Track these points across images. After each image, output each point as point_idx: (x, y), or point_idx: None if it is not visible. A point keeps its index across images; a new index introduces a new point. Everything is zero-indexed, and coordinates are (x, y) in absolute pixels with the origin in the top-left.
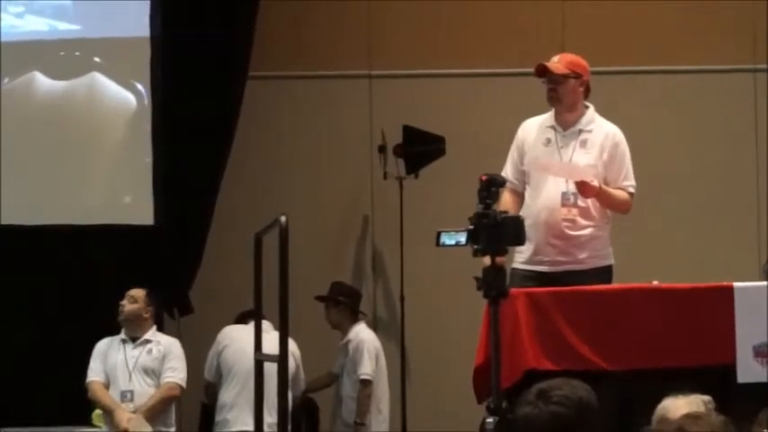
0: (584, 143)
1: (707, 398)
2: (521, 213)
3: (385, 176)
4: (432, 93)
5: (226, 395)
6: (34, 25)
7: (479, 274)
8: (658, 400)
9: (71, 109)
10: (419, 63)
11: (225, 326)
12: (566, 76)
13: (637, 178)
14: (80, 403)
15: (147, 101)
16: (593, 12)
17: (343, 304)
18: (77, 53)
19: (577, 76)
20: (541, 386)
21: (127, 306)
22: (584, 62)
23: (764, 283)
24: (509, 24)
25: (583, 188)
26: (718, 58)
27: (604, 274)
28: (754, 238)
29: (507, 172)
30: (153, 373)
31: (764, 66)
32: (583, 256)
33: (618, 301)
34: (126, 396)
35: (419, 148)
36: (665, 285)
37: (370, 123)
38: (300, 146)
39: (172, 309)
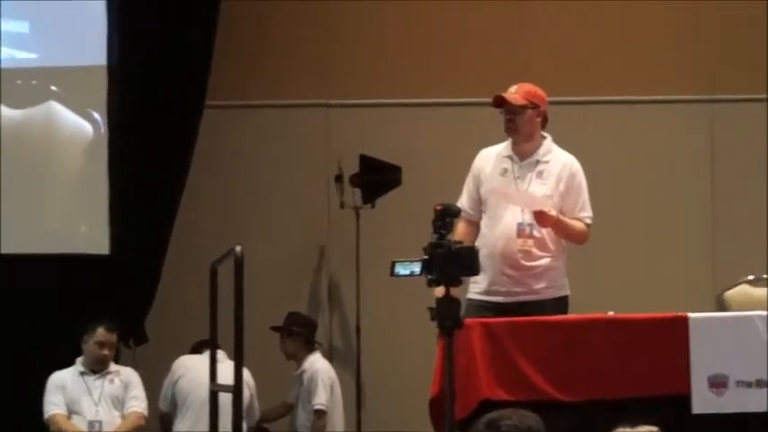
0: (540, 174)
1: (654, 429)
2: (477, 243)
3: (342, 206)
4: (388, 122)
5: (181, 425)
6: None
7: (435, 305)
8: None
9: (28, 137)
10: (376, 92)
11: (180, 355)
12: (523, 107)
13: (593, 209)
14: None
15: (103, 129)
16: (549, 42)
17: (299, 334)
18: (34, 82)
19: (535, 106)
20: (491, 416)
21: (109, 354)
22: (541, 92)
23: (719, 313)
24: (466, 54)
25: (540, 218)
26: (675, 89)
27: (560, 304)
28: (709, 269)
29: (463, 202)
30: (119, 402)
31: (721, 96)
32: (538, 286)
33: (573, 332)
34: (94, 426)
35: (376, 178)
36: (619, 316)
37: (327, 153)
38: (257, 175)
39: (128, 338)
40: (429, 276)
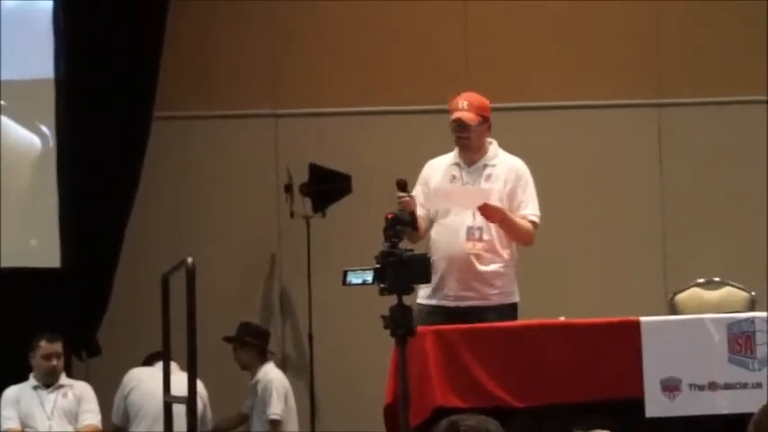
0: (488, 177)
1: None
2: (429, 249)
3: (292, 215)
4: (338, 131)
5: None
6: None
7: (387, 312)
8: None
9: None
10: (324, 101)
11: (133, 367)
12: (478, 123)
13: (543, 214)
14: None
15: (52, 143)
16: (496, 48)
17: (252, 344)
18: None
19: (485, 119)
20: (452, 418)
21: (58, 364)
22: (486, 101)
23: (671, 317)
24: (413, 62)
25: (487, 211)
26: (623, 94)
27: (509, 311)
28: (660, 273)
29: None
30: (72, 415)
31: (669, 100)
32: (488, 291)
33: (525, 338)
34: None
35: (325, 187)
36: (572, 321)
37: (276, 162)
38: (207, 185)
39: (80, 351)
40: (381, 285)
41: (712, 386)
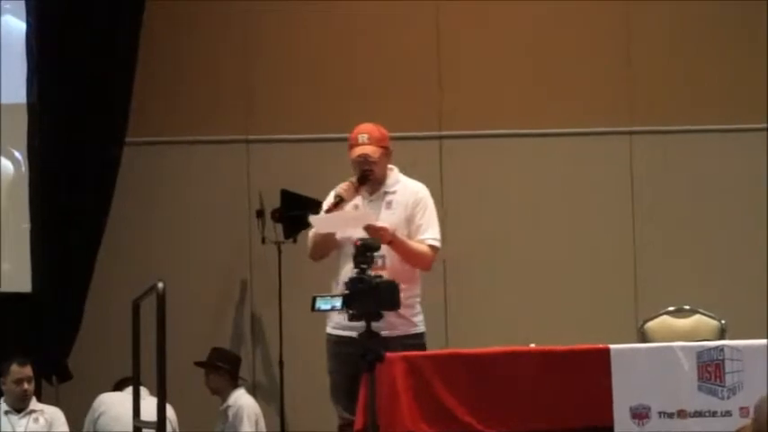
0: (389, 204)
1: None
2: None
3: (263, 241)
4: (309, 157)
5: None
6: None
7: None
8: None
9: None
10: (296, 128)
11: (104, 392)
12: (380, 156)
13: (515, 240)
14: None
15: (24, 168)
16: (469, 76)
17: (223, 370)
18: None
19: (386, 149)
20: None
21: (29, 388)
22: (385, 131)
23: (640, 344)
24: (387, 90)
25: (373, 232)
26: (595, 121)
27: (415, 339)
28: (631, 300)
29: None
30: None
31: (639, 128)
32: (393, 320)
33: (495, 364)
34: None
35: (297, 213)
36: (541, 348)
37: (248, 188)
38: (178, 211)
39: (50, 376)
40: (350, 311)
41: (682, 414)
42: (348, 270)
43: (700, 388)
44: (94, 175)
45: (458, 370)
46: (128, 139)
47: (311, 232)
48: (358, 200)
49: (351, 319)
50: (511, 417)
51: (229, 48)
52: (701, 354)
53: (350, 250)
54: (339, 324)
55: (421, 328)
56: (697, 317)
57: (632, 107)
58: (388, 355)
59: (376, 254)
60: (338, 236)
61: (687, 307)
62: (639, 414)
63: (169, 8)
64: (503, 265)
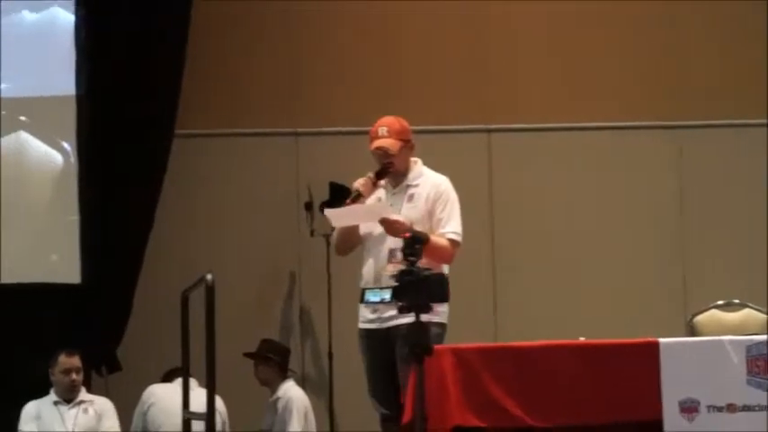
0: (411, 197)
1: None
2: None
3: (312, 233)
4: (357, 149)
5: None
6: None
7: None
8: None
9: None
10: (345, 120)
11: (153, 383)
12: (399, 149)
13: (564, 233)
14: None
15: (73, 159)
16: (518, 67)
17: (273, 361)
18: (4, 112)
19: (407, 142)
20: None
21: (77, 378)
22: (405, 123)
23: (689, 338)
24: (431, 82)
25: (388, 226)
26: (644, 116)
27: (436, 329)
28: (680, 294)
29: None
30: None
31: (689, 123)
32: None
33: (544, 357)
34: None
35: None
36: (591, 341)
37: (297, 180)
38: (227, 203)
39: (100, 367)
40: (399, 303)
41: (731, 408)
42: (370, 265)
43: (749, 382)
44: (143, 166)
45: (506, 363)
46: (177, 131)
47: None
48: (381, 193)
49: (400, 311)
50: (559, 410)
51: (278, 41)
52: (750, 348)
53: (371, 245)
54: (364, 318)
55: (442, 319)
56: (746, 311)
57: (681, 102)
58: (437, 347)
59: (393, 246)
60: (361, 230)
61: (736, 301)
62: (688, 408)
63: (217, 1)
64: (551, 258)
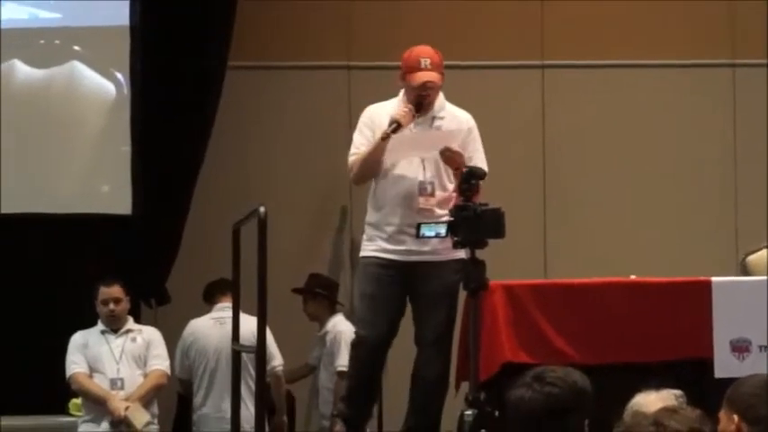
0: (438, 129)
1: (678, 392)
2: (372, 200)
3: None
4: None
5: (199, 392)
6: (14, 13)
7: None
8: (634, 395)
9: (50, 98)
10: (397, 55)
11: (203, 315)
12: (440, 81)
13: (618, 171)
14: (54, 393)
15: (126, 90)
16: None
17: (321, 296)
18: (57, 41)
19: (443, 74)
20: (537, 370)
21: (116, 309)
22: (441, 55)
23: (742, 278)
24: (489, 17)
25: (449, 156)
26: (697, 53)
27: (458, 266)
28: (732, 233)
29: (360, 149)
30: (140, 360)
31: (743, 61)
32: (438, 246)
33: (595, 295)
34: (116, 384)
35: None
36: (642, 279)
37: (349, 114)
38: (279, 136)
39: (149, 298)
40: (455, 238)
41: None
42: (396, 196)
43: None
44: (196, 98)
45: (557, 300)
46: (230, 64)
47: (356, 156)
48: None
49: (455, 246)
50: (609, 348)
51: None
52: None
53: (396, 177)
54: (382, 248)
55: (463, 255)
56: None
57: (736, 39)
58: (490, 283)
59: (424, 179)
60: (387, 160)
61: None
62: (740, 347)
63: None
64: (603, 197)
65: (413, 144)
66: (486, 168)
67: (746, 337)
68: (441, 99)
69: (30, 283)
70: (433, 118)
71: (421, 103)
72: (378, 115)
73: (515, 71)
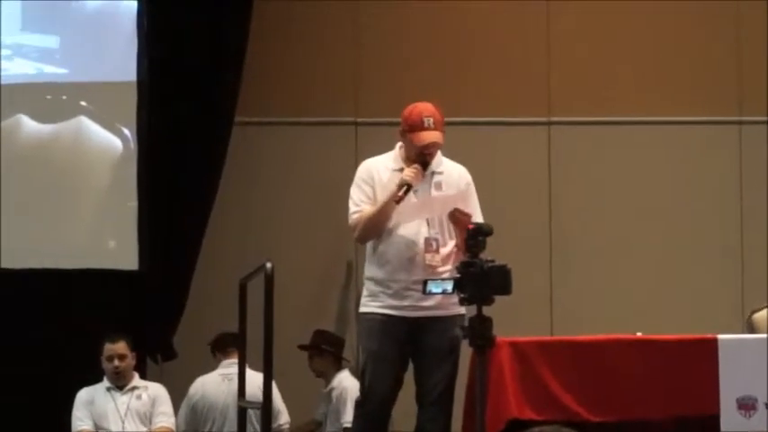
0: (438, 185)
1: None
2: (374, 258)
3: None
4: None
5: None
6: (22, 68)
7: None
8: None
9: (57, 152)
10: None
11: (209, 371)
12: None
13: (623, 227)
14: None
15: (132, 145)
16: (578, 63)
17: (327, 352)
18: (64, 97)
19: (444, 133)
20: (534, 430)
21: (121, 365)
22: (441, 112)
23: (748, 335)
24: (496, 75)
25: (458, 217)
26: (704, 110)
27: (462, 321)
28: (738, 290)
29: (362, 205)
30: (146, 417)
31: (749, 118)
32: (445, 302)
33: (602, 352)
34: None
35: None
36: (649, 337)
37: (355, 170)
38: (285, 192)
39: (155, 354)
40: (461, 295)
41: None
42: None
43: None
44: (203, 153)
45: (564, 357)
46: (237, 119)
47: (359, 215)
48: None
49: (461, 303)
50: (616, 405)
51: (339, 28)
52: None
53: (401, 234)
54: (388, 304)
55: (464, 310)
56: None
57: (742, 97)
58: (497, 339)
59: (429, 236)
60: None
61: None
62: (746, 405)
63: None
64: (609, 253)
65: (420, 209)
66: (482, 220)
67: (752, 394)
68: (438, 154)
69: (35, 339)
70: (433, 173)
71: (427, 162)
72: (375, 170)
73: (522, 128)
